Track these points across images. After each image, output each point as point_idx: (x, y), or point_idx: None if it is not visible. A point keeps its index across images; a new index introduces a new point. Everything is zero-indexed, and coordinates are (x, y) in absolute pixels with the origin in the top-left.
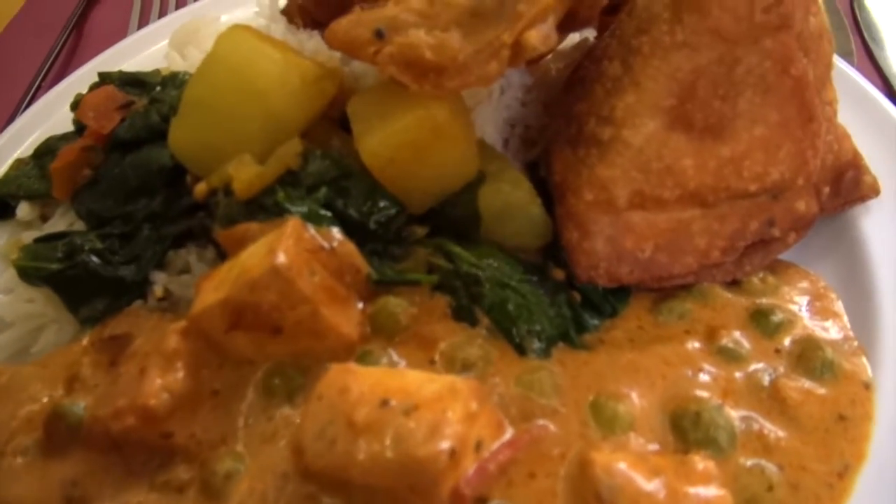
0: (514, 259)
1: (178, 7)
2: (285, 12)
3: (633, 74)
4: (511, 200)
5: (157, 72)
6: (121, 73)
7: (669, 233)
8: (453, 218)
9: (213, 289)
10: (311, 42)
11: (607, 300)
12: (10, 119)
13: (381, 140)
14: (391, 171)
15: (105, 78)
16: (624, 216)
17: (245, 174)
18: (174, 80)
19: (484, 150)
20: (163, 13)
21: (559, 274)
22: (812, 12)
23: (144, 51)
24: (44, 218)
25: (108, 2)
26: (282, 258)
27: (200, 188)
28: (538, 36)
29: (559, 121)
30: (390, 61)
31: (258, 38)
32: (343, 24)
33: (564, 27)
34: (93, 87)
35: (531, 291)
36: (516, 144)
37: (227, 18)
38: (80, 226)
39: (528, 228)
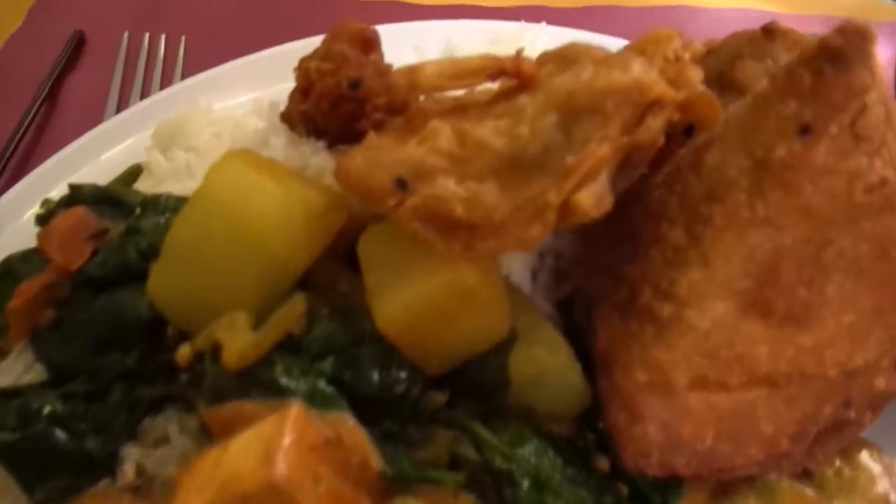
0: (551, 444)
1: (163, 82)
2: (285, 118)
3: (701, 248)
4: (547, 367)
5: (133, 178)
6: (94, 187)
7: (732, 416)
8: (478, 381)
9: (197, 489)
10: (317, 158)
11: (657, 490)
12: None
13: (399, 306)
14: (409, 338)
15: (76, 192)
16: (681, 398)
17: (237, 343)
18: (155, 206)
19: (513, 300)
20: (146, 90)
21: (603, 465)
22: None
23: (122, 141)
24: (0, 352)
25: (85, 68)
26: (281, 469)
27: (183, 353)
28: (591, 197)
29: (604, 277)
30: (414, 216)
31: (254, 169)
32: (358, 164)
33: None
34: (61, 203)
35: (573, 494)
36: (546, 279)
37: (220, 107)
38: (39, 367)
39: (563, 396)
